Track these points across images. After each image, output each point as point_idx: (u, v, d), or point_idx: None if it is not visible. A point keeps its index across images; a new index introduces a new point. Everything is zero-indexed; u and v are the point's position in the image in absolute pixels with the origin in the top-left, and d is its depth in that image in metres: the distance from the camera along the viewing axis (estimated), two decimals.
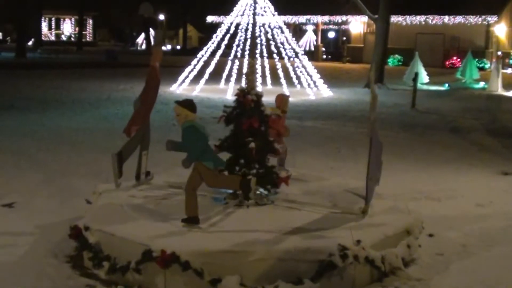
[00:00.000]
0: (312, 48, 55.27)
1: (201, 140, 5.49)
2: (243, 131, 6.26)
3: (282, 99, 7.21)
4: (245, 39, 23.25)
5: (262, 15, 23.06)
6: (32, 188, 8.44)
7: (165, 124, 14.64)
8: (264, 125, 6.36)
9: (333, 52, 55.33)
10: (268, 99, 7.38)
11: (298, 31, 57.44)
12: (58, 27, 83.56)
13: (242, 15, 23.40)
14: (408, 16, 44.77)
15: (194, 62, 23.97)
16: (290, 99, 8.09)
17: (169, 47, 77.75)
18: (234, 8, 23.75)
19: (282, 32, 23.99)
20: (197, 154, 5.48)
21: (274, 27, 23.86)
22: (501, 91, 26.42)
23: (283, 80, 22.91)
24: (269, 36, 23.87)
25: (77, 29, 75.36)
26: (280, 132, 7.05)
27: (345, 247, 5.15)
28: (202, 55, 23.98)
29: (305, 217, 5.94)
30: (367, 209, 6.09)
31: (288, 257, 5.09)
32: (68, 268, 5.62)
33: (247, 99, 6.27)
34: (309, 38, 58.20)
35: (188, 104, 5.56)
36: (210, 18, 53.65)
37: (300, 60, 23.98)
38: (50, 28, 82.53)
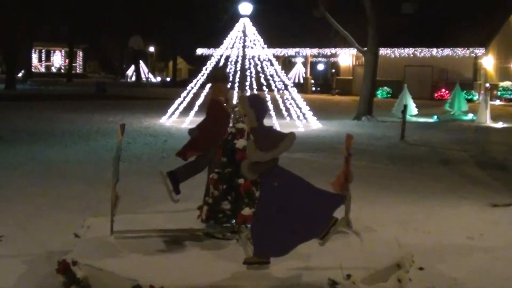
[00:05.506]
0: (301, 80, 55.55)
1: (117, 158, 6.21)
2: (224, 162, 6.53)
3: (348, 139, 6.01)
4: (235, 72, 23.33)
5: (252, 47, 23.17)
6: (20, 221, 8.36)
7: (155, 156, 14.63)
8: (230, 157, 6.45)
9: (322, 84, 55.55)
10: None
11: (287, 64, 57.78)
12: (48, 58, 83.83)
13: (232, 47, 23.51)
14: (396, 49, 45.25)
15: (183, 94, 24.04)
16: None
17: (159, 79, 78.09)
18: (224, 41, 23.89)
19: (272, 64, 24.08)
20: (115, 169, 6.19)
21: (264, 60, 23.97)
22: (489, 123, 26.60)
23: (272, 112, 22.96)
24: (259, 68, 23.99)
25: (67, 61, 75.54)
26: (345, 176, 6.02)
27: (335, 281, 5.12)
28: (192, 87, 24.04)
29: (294, 251, 5.89)
30: (251, 261, 5.34)
31: None
32: None
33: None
34: (298, 71, 58.53)
35: (121, 127, 6.23)
36: (200, 51, 53.90)
37: (289, 92, 24.07)
38: (40, 60, 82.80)
